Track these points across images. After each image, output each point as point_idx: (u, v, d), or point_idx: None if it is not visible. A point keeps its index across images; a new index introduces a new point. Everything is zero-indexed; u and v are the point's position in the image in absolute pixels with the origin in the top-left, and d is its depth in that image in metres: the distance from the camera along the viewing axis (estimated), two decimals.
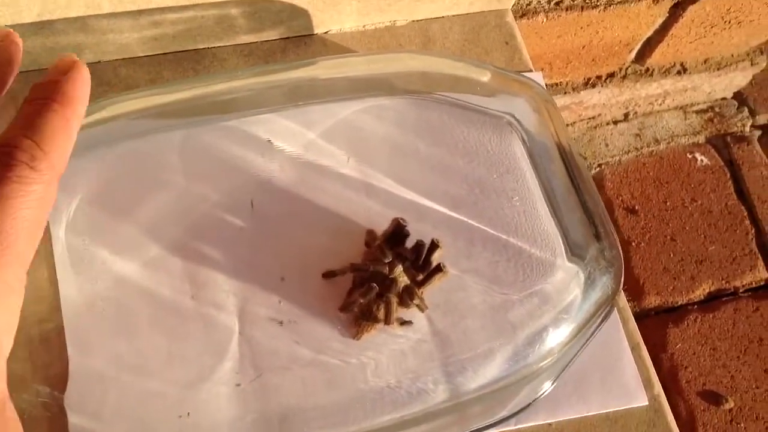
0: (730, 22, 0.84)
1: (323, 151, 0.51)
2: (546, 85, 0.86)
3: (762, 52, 0.98)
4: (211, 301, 0.48)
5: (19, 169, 0.28)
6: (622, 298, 0.55)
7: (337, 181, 0.50)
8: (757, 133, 1.08)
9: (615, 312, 0.53)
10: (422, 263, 0.49)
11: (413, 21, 0.61)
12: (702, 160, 1.02)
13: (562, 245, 0.50)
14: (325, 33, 0.59)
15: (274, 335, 0.48)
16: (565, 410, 0.50)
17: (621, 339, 0.53)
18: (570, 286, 0.49)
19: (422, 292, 0.49)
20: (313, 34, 0.58)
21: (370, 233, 0.50)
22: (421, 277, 0.49)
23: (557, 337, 0.47)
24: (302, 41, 0.58)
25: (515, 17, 0.66)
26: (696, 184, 1.00)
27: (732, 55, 0.96)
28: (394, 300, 0.47)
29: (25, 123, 0.30)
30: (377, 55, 0.51)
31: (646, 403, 0.51)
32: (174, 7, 0.51)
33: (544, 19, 0.70)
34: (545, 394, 0.48)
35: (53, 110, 0.30)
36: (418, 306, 0.49)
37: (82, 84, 0.32)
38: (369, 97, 0.52)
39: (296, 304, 0.49)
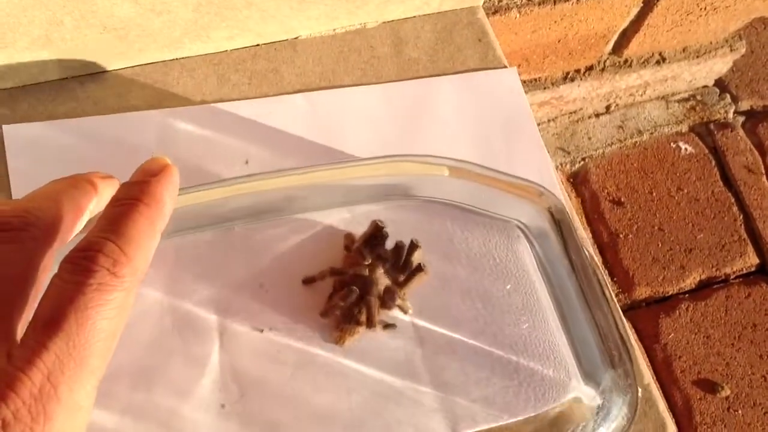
0: (705, 8, 0.84)
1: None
2: (524, 81, 0.86)
3: (741, 38, 0.98)
4: (189, 314, 0.47)
5: (101, 275, 0.26)
6: (608, 289, 0.55)
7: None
8: (741, 119, 1.07)
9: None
10: (403, 264, 0.48)
11: (384, 22, 0.60)
12: (686, 149, 1.01)
13: (576, 370, 0.47)
14: (296, 38, 0.58)
15: (256, 344, 0.47)
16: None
17: None
18: (584, 410, 0.46)
19: (404, 293, 0.48)
20: (284, 40, 0.58)
21: (348, 236, 0.49)
22: (402, 278, 0.48)
23: None
24: (272, 47, 0.58)
25: (488, 14, 0.66)
26: (681, 173, 1.00)
27: (710, 42, 0.95)
28: (376, 302, 0.47)
29: (110, 225, 0.28)
30: (375, 164, 0.48)
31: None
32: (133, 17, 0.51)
33: (517, 15, 0.70)
34: None
35: (139, 212, 0.29)
36: (400, 307, 0.48)
37: (170, 187, 0.31)
38: (363, 204, 0.51)
39: (277, 311, 0.48)
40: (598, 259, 0.93)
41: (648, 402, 0.51)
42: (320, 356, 0.47)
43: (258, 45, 0.57)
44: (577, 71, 0.89)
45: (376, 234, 0.48)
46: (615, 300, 0.48)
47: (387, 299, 0.47)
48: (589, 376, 0.47)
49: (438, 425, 0.46)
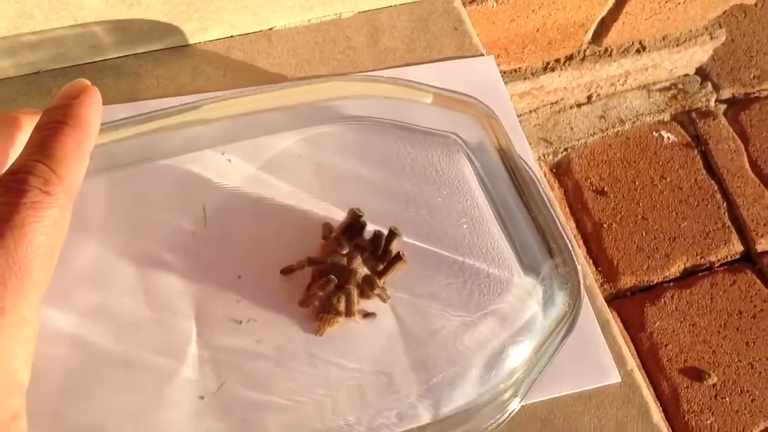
0: None
1: (266, 183, 0.50)
2: (504, 72, 0.85)
3: (721, 26, 0.98)
4: (165, 306, 0.47)
5: (33, 195, 0.27)
6: (589, 277, 0.54)
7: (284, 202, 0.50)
8: (722, 107, 1.08)
9: (582, 290, 0.53)
10: (381, 253, 0.48)
11: (359, 12, 0.60)
12: (668, 138, 1.01)
13: (516, 263, 0.49)
14: (270, 29, 0.58)
15: (234, 335, 0.47)
16: (537, 392, 0.49)
17: (590, 317, 0.52)
18: (527, 303, 0.48)
19: (383, 282, 0.48)
20: (258, 31, 0.57)
21: (326, 226, 0.49)
22: (381, 267, 0.48)
23: (518, 355, 0.46)
24: (247, 39, 0.57)
25: (465, 4, 0.66)
26: (664, 161, 0.99)
27: (690, 30, 0.95)
28: (355, 291, 0.47)
29: (37, 148, 0.29)
30: (312, 85, 0.50)
31: (619, 379, 0.51)
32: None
33: (495, 4, 0.70)
34: (514, 412, 0.47)
35: (65, 134, 0.30)
36: (379, 296, 0.48)
37: (93, 107, 0.33)
38: (308, 127, 0.52)
39: (255, 303, 0.48)
40: (582, 249, 0.93)
41: (631, 388, 0.51)
42: (300, 345, 0.47)
43: (232, 36, 0.57)
44: (557, 61, 0.89)
45: (354, 223, 0.48)
46: (554, 200, 0.50)
47: (366, 288, 0.47)
48: (531, 271, 0.49)
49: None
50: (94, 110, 0.32)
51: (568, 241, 0.48)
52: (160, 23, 0.53)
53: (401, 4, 0.61)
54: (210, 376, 0.46)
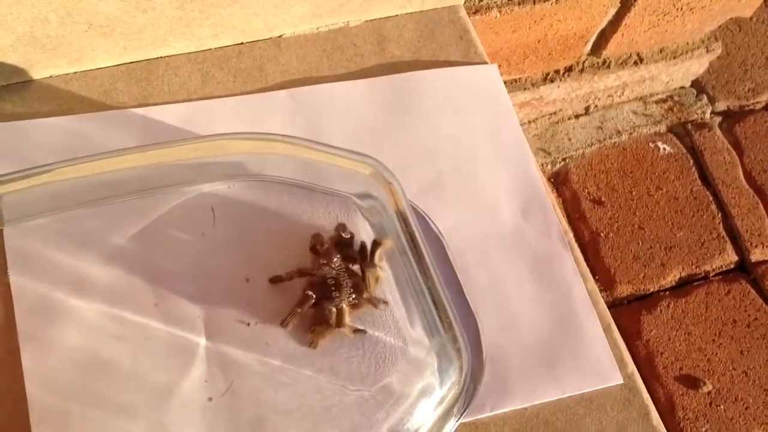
0: (682, 9, 0.85)
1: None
2: (505, 82, 0.86)
3: (717, 39, 0.99)
4: (175, 309, 0.48)
5: None
6: (591, 281, 0.55)
7: None
8: (717, 119, 1.09)
9: (586, 294, 0.54)
10: (369, 262, 0.48)
11: (367, 21, 0.61)
12: (665, 149, 1.03)
13: (410, 334, 0.49)
14: (280, 36, 0.59)
15: (243, 337, 0.48)
16: (540, 394, 0.50)
17: (593, 320, 0.53)
18: (422, 373, 0.48)
19: (371, 289, 0.48)
20: (267, 38, 0.58)
21: (316, 237, 0.49)
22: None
23: (416, 425, 0.46)
24: (257, 45, 0.58)
25: (469, 14, 0.67)
26: (660, 172, 1.01)
27: (687, 43, 0.97)
28: (345, 303, 0.47)
29: None
30: (208, 141, 0.49)
31: (621, 381, 0.52)
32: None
33: (498, 14, 0.71)
34: None
35: None
36: (369, 300, 0.48)
37: None
38: (205, 183, 0.51)
39: (263, 306, 0.49)
40: (584, 262, 0.94)
41: (632, 391, 0.52)
42: (300, 352, 0.48)
43: (242, 43, 0.58)
44: (557, 72, 0.90)
45: (343, 236, 0.48)
46: (455, 273, 0.50)
47: (356, 296, 0.47)
48: (423, 341, 0.49)
49: None
50: None
51: (470, 310, 0.49)
52: (173, 29, 0.54)
53: (408, 14, 0.62)
54: (219, 377, 0.46)
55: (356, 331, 0.49)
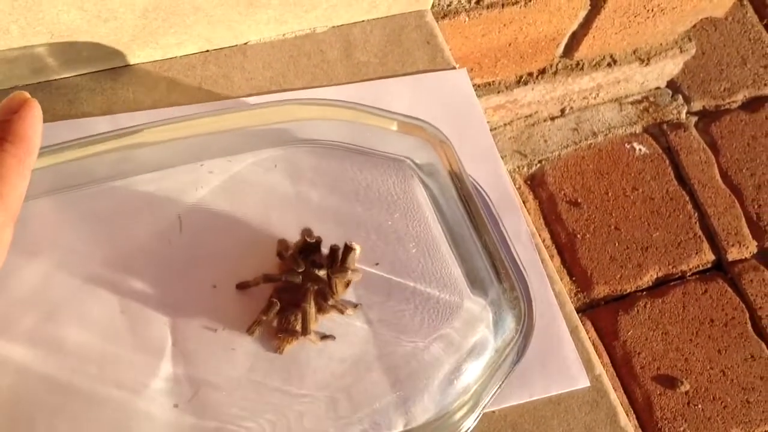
0: (653, 10, 0.85)
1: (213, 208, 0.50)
2: (477, 85, 0.87)
3: (690, 39, 1.00)
4: (141, 314, 0.48)
5: None
6: (558, 284, 0.56)
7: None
8: (693, 119, 1.09)
9: (552, 297, 0.54)
10: (340, 267, 0.49)
11: (333, 27, 0.61)
12: (640, 150, 1.03)
13: (466, 287, 0.50)
14: (245, 44, 0.59)
15: (209, 343, 0.47)
16: (508, 396, 0.50)
17: (560, 323, 0.53)
18: (476, 327, 0.49)
19: (337, 294, 0.49)
20: (233, 46, 0.58)
21: (282, 243, 0.49)
22: (336, 281, 0.49)
23: (468, 379, 0.47)
24: (222, 53, 0.58)
25: (437, 19, 0.67)
26: (636, 173, 1.01)
27: (660, 44, 0.97)
28: (311, 309, 0.47)
29: None
30: (265, 108, 0.50)
31: (588, 384, 0.52)
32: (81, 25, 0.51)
33: (466, 19, 0.71)
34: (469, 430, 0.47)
35: (5, 150, 0.29)
36: (335, 308, 0.48)
37: (34, 122, 0.31)
38: (260, 150, 0.52)
39: (230, 312, 0.49)
40: (556, 259, 0.94)
41: (599, 392, 0.52)
42: (267, 359, 0.48)
43: (208, 51, 0.58)
44: (530, 75, 0.91)
45: (308, 241, 0.48)
46: (504, 227, 0.51)
47: (321, 302, 0.48)
48: (479, 294, 0.50)
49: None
50: (35, 125, 0.31)
51: (518, 266, 0.49)
52: (136, 38, 0.54)
53: (374, 19, 0.62)
54: (184, 384, 0.46)
55: (324, 337, 0.49)
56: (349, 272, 0.48)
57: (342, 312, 0.48)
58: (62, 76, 0.55)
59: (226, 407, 0.46)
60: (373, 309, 0.49)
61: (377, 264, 0.50)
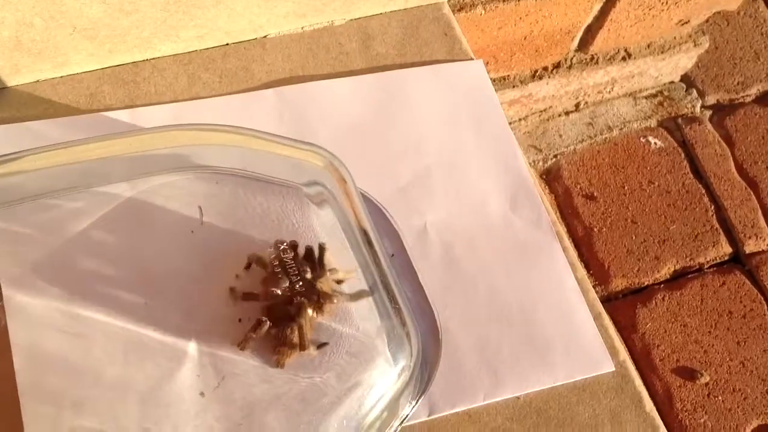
0: (667, 3, 0.85)
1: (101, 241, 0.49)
2: (493, 79, 0.87)
3: (704, 33, 1.00)
4: (165, 307, 0.48)
5: None
6: (580, 270, 0.56)
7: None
8: (708, 113, 1.09)
9: (575, 283, 0.54)
10: (319, 267, 0.48)
11: (351, 20, 0.61)
12: (656, 143, 1.03)
13: (365, 322, 0.49)
14: (265, 37, 0.59)
15: (234, 331, 0.47)
16: (532, 382, 0.50)
17: (582, 310, 0.53)
18: (375, 361, 0.48)
19: (323, 291, 0.48)
20: (252, 39, 0.59)
21: (258, 260, 0.49)
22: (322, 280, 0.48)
23: (366, 411, 0.46)
24: (242, 46, 0.58)
25: (453, 11, 0.67)
26: (652, 166, 1.01)
27: (674, 38, 0.97)
28: (306, 323, 0.46)
29: None
30: (155, 133, 0.48)
31: (613, 368, 0.52)
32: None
33: (483, 11, 0.71)
34: None
35: None
36: (328, 298, 0.48)
37: None
38: (153, 176, 0.51)
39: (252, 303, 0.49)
40: (573, 252, 0.94)
41: (624, 378, 0.52)
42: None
43: (227, 44, 0.58)
44: (545, 69, 0.91)
45: (286, 255, 0.48)
46: (412, 263, 0.50)
47: (321, 302, 0.47)
48: (373, 328, 0.48)
49: None
50: None
51: (424, 294, 0.49)
52: (158, 31, 0.54)
53: (392, 12, 0.63)
54: (210, 373, 0.46)
55: (320, 346, 0.48)
56: (328, 271, 0.48)
57: (332, 301, 0.48)
58: (84, 70, 0.55)
59: (251, 394, 0.46)
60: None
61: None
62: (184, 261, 0.49)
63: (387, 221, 0.52)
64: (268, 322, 0.46)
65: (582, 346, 0.52)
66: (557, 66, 0.92)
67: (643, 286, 0.94)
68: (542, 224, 0.55)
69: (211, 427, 0.45)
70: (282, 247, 0.48)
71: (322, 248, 0.48)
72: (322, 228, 0.50)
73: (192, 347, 0.47)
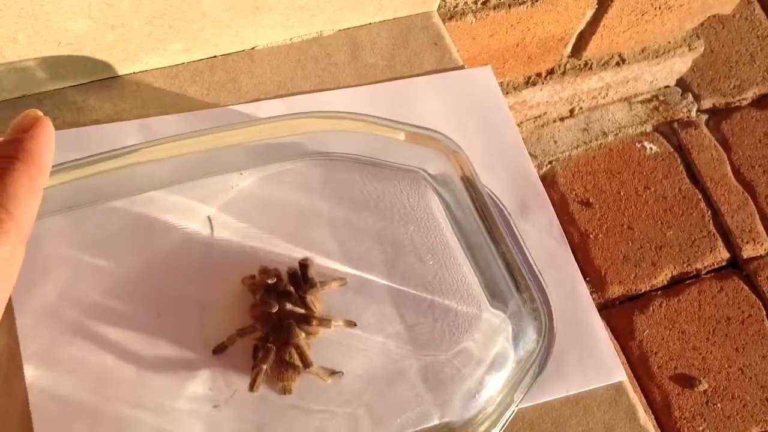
0: (660, 8, 0.85)
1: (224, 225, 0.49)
2: None
3: (698, 37, 0.99)
4: (178, 318, 0.47)
5: None
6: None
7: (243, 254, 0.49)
8: (704, 117, 1.09)
9: (587, 291, 0.53)
10: (305, 285, 0.47)
11: (340, 30, 0.61)
12: (651, 148, 1.03)
13: (485, 299, 0.50)
14: (253, 48, 0.59)
15: (244, 342, 0.47)
16: (546, 392, 0.50)
17: (593, 317, 0.53)
18: (496, 339, 0.48)
19: (318, 311, 0.47)
20: (240, 51, 0.58)
21: (246, 279, 0.48)
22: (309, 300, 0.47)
23: (490, 391, 0.46)
24: (230, 58, 0.58)
25: (444, 20, 0.67)
26: (648, 172, 1.01)
27: (669, 42, 0.97)
28: (304, 343, 0.46)
29: None
30: (276, 122, 0.49)
31: (624, 377, 0.51)
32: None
33: (473, 20, 0.71)
34: None
35: (17, 169, 0.29)
36: (320, 324, 0.46)
37: (46, 140, 0.31)
38: (271, 164, 0.52)
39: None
40: None
41: (617, 390, 0.52)
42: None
43: (215, 57, 0.58)
44: (539, 75, 0.91)
45: (268, 278, 0.47)
46: (520, 235, 0.51)
47: (305, 327, 0.46)
48: (499, 307, 0.49)
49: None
50: (47, 143, 0.31)
51: (537, 275, 0.49)
52: (144, 45, 0.54)
53: (381, 21, 0.62)
54: (222, 385, 0.46)
55: (332, 374, 0.47)
56: (319, 284, 0.47)
57: (329, 325, 0.47)
58: (70, 84, 0.55)
59: (264, 407, 0.46)
60: (391, 323, 0.49)
61: (393, 277, 0.50)
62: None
63: (494, 201, 0.52)
64: (274, 347, 0.45)
65: (594, 354, 0.51)
66: (551, 72, 0.91)
67: (640, 292, 0.93)
68: (554, 232, 0.55)
69: None
70: (265, 275, 0.48)
71: (303, 265, 0.48)
72: (437, 211, 0.51)
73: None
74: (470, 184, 0.50)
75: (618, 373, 0.52)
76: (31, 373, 0.44)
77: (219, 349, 0.47)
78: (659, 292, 0.94)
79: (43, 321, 0.46)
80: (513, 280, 0.48)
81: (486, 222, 0.49)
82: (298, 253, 0.49)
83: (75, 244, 0.47)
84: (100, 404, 0.44)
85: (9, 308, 0.46)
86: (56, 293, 0.46)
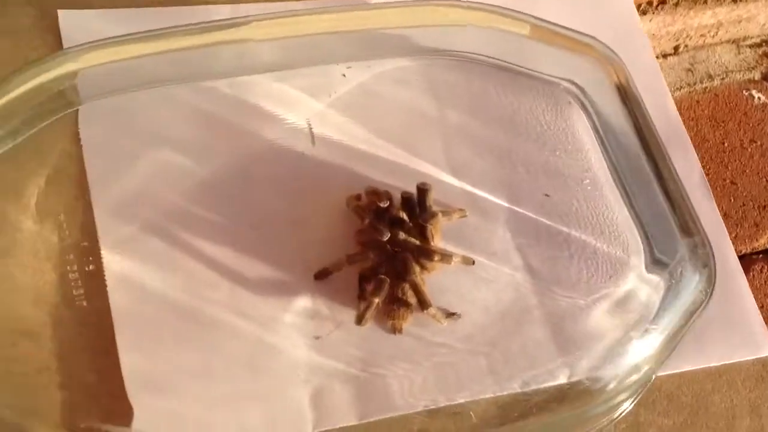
0: None
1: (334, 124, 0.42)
2: None
3: None
4: (276, 235, 0.42)
5: None
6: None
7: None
8: None
9: (732, 250, 0.46)
10: (421, 213, 0.40)
11: None
12: (759, 98, 0.93)
13: (639, 241, 0.41)
14: None
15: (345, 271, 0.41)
16: (681, 362, 0.42)
17: (742, 284, 0.45)
18: (648, 289, 0.40)
19: (437, 242, 0.41)
20: None
21: (351, 199, 0.41)
22: (428, 231, 0.40)
23: (637, 351, 0.39)
24: None
25: None
26: (754, 123, 0.91)
27: None
28: (420, 280, 0.39)
29: None
30: (392, 8, 0.41)
31: None
32: None
33: None
34: (623, 414, 0.39)
35: None
36: (441, 259, 0.40)
37: None
38: (386, 59, 0.44)
39: None
40: None
41: (765, 366, 0.45)
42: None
43: None
44: (650, 3, 0.81)
45: (380, 201, 0.40)
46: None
47: (424, 261, 0.40)
48: (660, 252, 0.43)
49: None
50: None
51: (701, 223, 0.41)
52: None
53: None
54: (325, 316, 0.41)
55: (449, 315, 0.41)
56: (440, 214, 0.40)
57: (449, 261, 0.40)
58: None
59: (367, 342, 0.39)
60: (526, 254, 0.41)
61: (521, 202, 0.42)
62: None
63: None
64: (388, 279, 0.38)
65: (741, 326, 0.44)
66: (663, 2, 0.82)
67: (740, 254, 0.84)
68: (695, 178, 0.47)
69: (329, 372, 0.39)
70: (376, 198, 0.42)
71: (422, 190, 0.40)
72: (583, 130, 0.45)
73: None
74: (631, 98, 0.41)
75: (767, 346, 0.44)
76: (114, 296, 0.38)
77: (322, 275, 0.41)
78: (760, 255, 0.85)
79: (124, 212, 0.39)
80: (678, 220, 0.39)
81: (647, 147, 0.40)
82: (411, 170, 0.42)
83: (166, 126, 0.41)
84: (188, 327, 0.38)
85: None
86: (141, 182, 0.40)
